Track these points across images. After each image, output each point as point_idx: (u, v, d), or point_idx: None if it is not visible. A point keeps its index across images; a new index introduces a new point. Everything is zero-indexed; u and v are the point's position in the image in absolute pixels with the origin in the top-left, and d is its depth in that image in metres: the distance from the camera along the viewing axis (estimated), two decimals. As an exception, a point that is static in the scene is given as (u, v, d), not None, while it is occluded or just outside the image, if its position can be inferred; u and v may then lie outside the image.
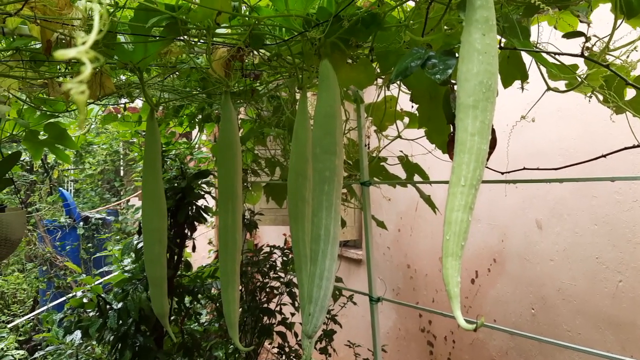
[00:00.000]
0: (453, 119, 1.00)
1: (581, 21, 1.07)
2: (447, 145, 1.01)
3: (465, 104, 0.77)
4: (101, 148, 8.53)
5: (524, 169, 1.57)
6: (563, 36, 1.16)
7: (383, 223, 2.80)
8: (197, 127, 3.21)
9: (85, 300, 2.96)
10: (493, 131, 0.82)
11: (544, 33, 1.50)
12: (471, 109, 0.76)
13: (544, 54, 1.16)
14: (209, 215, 3.08)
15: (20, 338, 5.40)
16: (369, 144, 2.45)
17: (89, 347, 3.35)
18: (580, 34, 1.09)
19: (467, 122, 0.76)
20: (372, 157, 2.49)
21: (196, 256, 3.88)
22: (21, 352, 4.80)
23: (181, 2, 1.33)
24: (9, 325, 5.57)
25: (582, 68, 1.45)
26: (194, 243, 3.22)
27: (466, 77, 0.77)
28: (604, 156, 1.38)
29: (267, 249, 3.43)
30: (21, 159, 2.44)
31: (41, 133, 2.45)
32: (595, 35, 1.10)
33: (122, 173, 9.85)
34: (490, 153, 0.81)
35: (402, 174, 2.47)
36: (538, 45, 1.43)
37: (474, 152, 0.76)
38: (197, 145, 3.64)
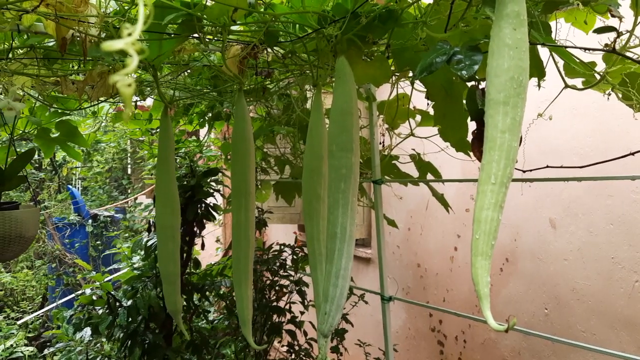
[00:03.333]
0: (478, 116, 0.99)
1: (612, 15, 1.05)
2: (472, 143, 1.00)
3: (496, 100, 0.75)
4: (109, 146, 8.55)
5: (547, 167, 1.55)
6: (594, 31, 1.14)
7: (394, 222, 2.78)
8: (206, 125, 3.21)
9: (94, 297, 2.96)
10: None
11: (562, 30, 1.49)
12: (502, 105, 0.75)
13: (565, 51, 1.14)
14: (217, 213, 3.07)
15: (30, 335, 5.42)
16: (383, 142, 2.43)
17: (99, 344, 3.36)
18: (611, 28, 1.08)
19: (497, 118, 0.75)
20: (384, 156, 2.47)
21: (204, 254, 3.88)
22: (30, 348, 4.82)
23: (197, -1, 1.32)
24: (18, 322, 5.59)
25: (600, 66, 1.43)
26: (202, 241, 3.21)
27: (496, 73, 0.76)
28: (632, 154, 1.36)
29: (277, 247, 3.42)
30: (32, 156, 2.44)
31: (52, 131, 2.46)
32: (627, 30, 1.08)
33: (129, 171, 9.88)
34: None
35: (414, 172, 2.46)
36: (557, 42, 1.41)
37: (505, 149, 0.74)
38: (206, 144, 3.63)
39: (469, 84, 1.32)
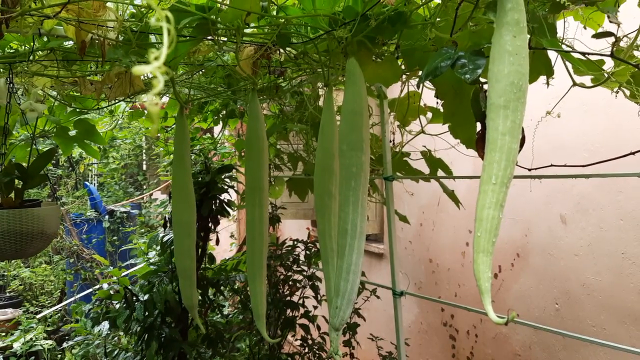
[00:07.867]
0: (482, 118, 1.02)
1: (610, 21, 1.07)
2: (476, 143, 1.03)
3: (496, 104, 0.79)
4: (124, 143, 8.66)
5: (551, 165, 1.57)
6: (593, 36, 1.16)
7: (406, 217, 2.81)
8: (220, 122, 3.26)
9: (112, 292, 3.02)
10: (522, 130, 0.84)
11: (570, 29, 1.50)
12: (502, 109, 0.78)
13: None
14: (232, 209, 3.12)
15: (49, 328, 5.54)
16: (393, 140, 2.46)
17: (116, 338, 3.42)
18: (609, 34, 1.10)
19: (498, 121, 0.78)
20: (395, 152, 2.50)
21: (219, 249, 3.93)
22: (49, 342, 4.92)
23: (211, 3, 1.37)
24: (37, 316, 5.71)
25: (609, 63, 1.44)
26: (217, 236, 3.27)
27: (497, 78, 0.79)
28: (633, 153, 1.38)
29: (290, 243, 3.46)
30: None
31: (71, 129, 2.53)
32: (626, 36, 1.10)
33: (144, 167, 9.99)
34: (518, 151, 0.83)
35: (425, 169, 2.48)
36: (565, 41, 1.43)
37: (505, 151, 0.77)
38: (220, 141, 3.68)
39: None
